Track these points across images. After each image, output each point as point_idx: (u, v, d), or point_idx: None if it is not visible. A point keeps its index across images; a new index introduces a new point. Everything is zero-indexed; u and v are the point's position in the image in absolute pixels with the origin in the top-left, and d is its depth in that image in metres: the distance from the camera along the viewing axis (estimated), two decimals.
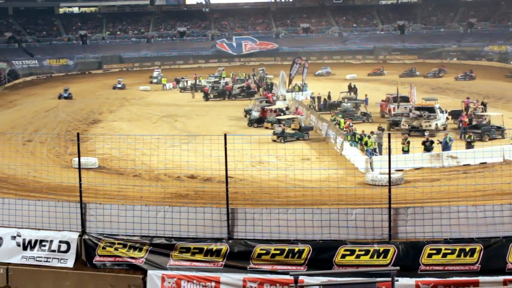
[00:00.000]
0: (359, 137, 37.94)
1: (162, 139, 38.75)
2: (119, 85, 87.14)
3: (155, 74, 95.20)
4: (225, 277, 17.09)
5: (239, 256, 17.79)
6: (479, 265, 16.71)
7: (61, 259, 18.78)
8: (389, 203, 17.69)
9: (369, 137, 36.88)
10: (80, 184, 19.85)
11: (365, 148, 36.14)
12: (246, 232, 18.14)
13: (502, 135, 42.25)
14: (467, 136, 38.37)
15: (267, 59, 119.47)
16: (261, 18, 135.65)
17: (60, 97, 75.77)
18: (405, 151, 35.14)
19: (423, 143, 35.73)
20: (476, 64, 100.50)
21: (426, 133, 38.58)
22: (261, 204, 22.88)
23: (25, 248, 19.12)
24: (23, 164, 35.28)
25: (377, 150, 36.37)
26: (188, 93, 78.20)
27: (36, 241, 19.08)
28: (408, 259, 16.93)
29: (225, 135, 18.65)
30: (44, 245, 19.00)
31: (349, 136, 38.46)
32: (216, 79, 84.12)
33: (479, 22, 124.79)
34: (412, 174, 32.26)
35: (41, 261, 18.84)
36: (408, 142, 35.59)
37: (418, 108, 47.35)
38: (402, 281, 15.77)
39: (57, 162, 37.26)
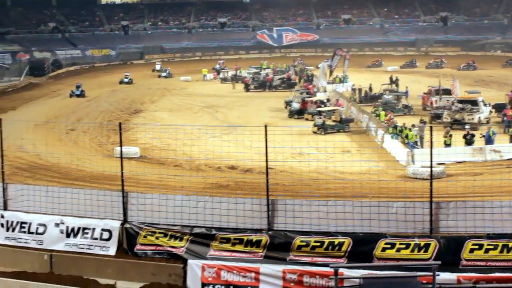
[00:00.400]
0: (399, 129, 37.63)
1: (203, 129, 38.94)
2: (126, 80, 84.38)
3: (157, 67, 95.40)
4: (265, 268, 17.13)
5: (279, 247, 17.84)
6: None
7: (103, 246, 19.07)
8: (431, 196, 17.55)
9: (410, 129, 36.56)
10: (122, 173, 20.09)
11: (406, 141, 35.83)
12: (286, 224, 18.18)
13: None
14: (511, 129, 37.78)
15: (307, 50, 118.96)
16: (302, 9, 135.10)
17: (71, 95, 68.57)
18: (447, 145, 34.74)
19: (464, 136, 35.33)
20: None
21: (467, 127, 38.07)
22: (301, 195, 22.88)
23: (68, 236, 19.47)
24: (66, 152, 35.84)
25: (419, 143, 36.02)
26: (229, 84, 78.37)
27: (79, 228, 19.42)
28: (449, 253, 16.77)
29: (265, 126, 18.69)
30: (87, 233, 19.31)
31: (390, 129, 38.16)
32: (256, 70, 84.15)
33: None
34: (454, 167, 31.86)
35: (83, 248, 19.17)
36: (450, 135, 35.17)
37: (460, 101, 46.75)
38: (443, 275, 15.64)
39: (99, 151, 37.70)
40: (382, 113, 45.78)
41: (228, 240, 18.17)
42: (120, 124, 22.74)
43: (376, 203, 18.17)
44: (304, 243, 17.68)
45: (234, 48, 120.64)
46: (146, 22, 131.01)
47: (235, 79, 79.31)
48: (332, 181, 28.31)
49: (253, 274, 17.08)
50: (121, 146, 22.50)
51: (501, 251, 16.57)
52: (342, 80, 70.16)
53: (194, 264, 17.56)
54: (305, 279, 16.77)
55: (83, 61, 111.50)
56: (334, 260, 17.22)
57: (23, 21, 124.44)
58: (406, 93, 55.78)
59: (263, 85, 72.79)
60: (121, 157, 21.22)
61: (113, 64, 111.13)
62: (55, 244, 19.42)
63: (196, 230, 18.46)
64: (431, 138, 18.81)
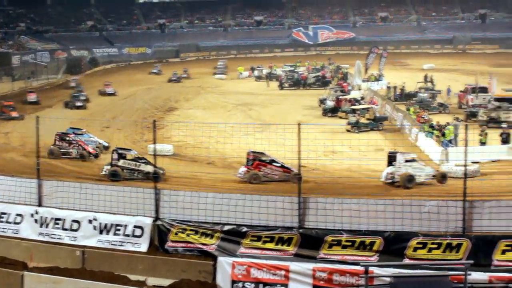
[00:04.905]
0: (438, 127, 37.34)
1: (236, 127, 38.99)
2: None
3: (154, 70, 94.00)
4: (295, 265, 17.14)
5: (309, 246, 17.83)
6: None
7: (135, 243, 19.24)
8: (464, 195, 17.38)
9: (444, 127, 36.25)
10: (155, 171, 20.24)
11: (442, 139, 35.49)
12: (317, 222, 18.15)
13: None
14: None
15: (343, 48, 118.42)
16: (338, 7, 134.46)
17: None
18: (483, 143, 34.36)
19: (501, 135, 34.92)
20: None
21: (503, 125, 37.60)
22: (333, 194, 22.80)
23: (101, 232, 19.67)
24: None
25: (453, 142, 35.64)
26: (263, 82, 78.39)
27: (111, 225, 19.62)
28: (482, 253, 16.59)
29: (299, 124, 18.68)
30: (119, 229, 19.51)
31: (425, 127, 37.84)
32: (291, 68, 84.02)
33: None
34: (489, 166, 31.46)
35: (115, 245, 19.36)
36: (486, 134, 34.78)
37: (497, 99, 46.12)
38: (475, 275, 15.47)
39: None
40: (412, 108, 45.74)
41: (259, 238, 18.20)
42: (154, 121, 22.89)
43: (408, 201, 18.05)
44: (335, 242, 17.66)
45: (269, 46, 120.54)
46: (182, 21, 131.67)
47: (270, 77, 79.35)
48: (364, 180, 28.19)
49: (283, 272, 17.10)
50: (154, 143, 22.67)
51: None
52: (377, 78, 69.71)
53: (224, 261, 17.62)
54: (335, 277, 16.74)
55: (119, 59, 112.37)
56: (364, 258, 17.15)
57: (62, 19, 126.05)
58: (448, 91, 55.57)
59: (298, 83, 72.70)
60: (155, 155, 21.40)
61: (149, 62, 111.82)
62: (87, 240, 19.65)
63: (227, 228, 18.52)
64: (466, 137, 18.62)
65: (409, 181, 27.68)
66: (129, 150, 31.20)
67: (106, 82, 72.01)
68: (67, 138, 35.56)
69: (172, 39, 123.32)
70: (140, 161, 30.13)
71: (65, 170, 30.90)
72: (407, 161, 28.31)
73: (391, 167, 28.40)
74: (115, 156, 30.11)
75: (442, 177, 28.27)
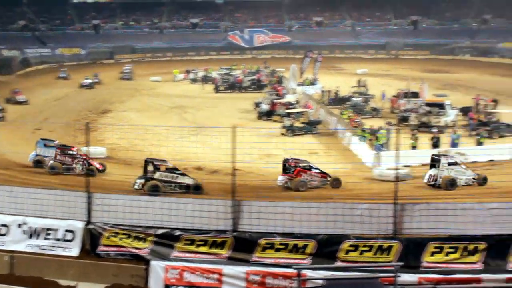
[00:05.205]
0: (369, 132, 37.92)
1: (171, 130, 38.78)
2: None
3: (61, 74, 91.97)
4: (228, 269, 17.12)
5: (243, 249, 17.82)
6: (482, 264, 16.73)
7: (66, 247, 18.87)
8: (395, 198, 17.66)
9: (377, 131, 36.86)
10: (87, 173, 19.93)
11: (375, 143, 36.06)
12: (251, 225, 18.15)
13: None
14: (475, 132, 38.33)
15: (279, 52, 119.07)
16: (274, 11, 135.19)
17: None
18: (414, 147, 35.09)
19: (431, 139, 35.74)
20: (488, 61, 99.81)
21: (434, 130, 38.49)
22: (267, 197, 22.88)
23: (30, 236, 19.21)
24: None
25: (385, 145, 36.24)
26: (199, 85, 78.27)
27: (41, 229, 19.18)
28: (411, 255, 16.91)
29: (233, 127, 18.66)
30: (50, 234, 19.10)
31: (358, 131, 38.39)
32: (227, 72, 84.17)
33: (494, 19, 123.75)
34: (420, 169, 32.07)
35: (46, 249, 18.93)
36: (417, 138, 35.53)
37: (428, 104, 47.15)
38: (404, 277, 15.75)
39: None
40: (345, 112, 46.45)
41: (192, 242, 18.09)
42: (87, 124, 22.53)
43: (341, 204, 18.25)
44: (268, 245, 17.69)
45: (205, 49, 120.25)
46: (117, 22, 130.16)
47: (205, 80, 79.26)
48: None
49: (216, 276, 17.05)
50: (87, 146, 22.34)
51: (462, 254, 16.77)
52: (312, 82, 70.38)
53: (157, 265, 17.45)
54: (268, 280, 16.78)
55: (52, 60, 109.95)
56: (297, 261, 17.24)
57: None
58: (383, 96, 56.66)
59: (233, 86, 72.80)
60: (88, 157, 21.06)
61: (82, 63, 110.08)
62: (16, 245, 19.16)
63: (161, 232, 18.35)
64: (398, 141, 18.93)
65: (451, 184, 28.29)
66: (164, 161, 28.76)
67: (15, 89, 65.86)
68: (70, 152, 31.63)
69: (107, 40, 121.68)
70: (176, 172, 28.12)
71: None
72: (449, 164, 28.83)
73: (433, 169, 28.86)
74: (151, 168, 27.84)
75: (483, 180, 28.90)
